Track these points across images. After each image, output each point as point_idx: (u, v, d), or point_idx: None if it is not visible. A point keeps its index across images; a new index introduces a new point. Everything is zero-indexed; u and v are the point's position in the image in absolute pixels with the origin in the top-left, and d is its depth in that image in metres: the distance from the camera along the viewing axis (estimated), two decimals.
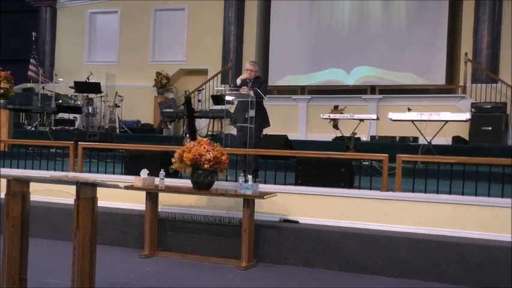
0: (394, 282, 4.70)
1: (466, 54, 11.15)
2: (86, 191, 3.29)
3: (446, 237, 4.85)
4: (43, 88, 12.93)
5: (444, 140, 8.87)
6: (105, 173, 6.51)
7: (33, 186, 3.60)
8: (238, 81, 6.72)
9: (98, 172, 6.52)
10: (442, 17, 11.71)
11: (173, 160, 5.27)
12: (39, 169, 6.79)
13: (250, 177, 5.19)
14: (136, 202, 5.80)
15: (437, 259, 4.67)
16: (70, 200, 3.35)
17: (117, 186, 3.58)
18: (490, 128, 9.86)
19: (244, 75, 6.77)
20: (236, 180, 5.69)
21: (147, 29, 13.99)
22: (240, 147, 6.53)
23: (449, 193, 5.16)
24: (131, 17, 14.11)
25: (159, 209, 5.58)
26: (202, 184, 5.20)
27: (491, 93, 10.75)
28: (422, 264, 4.71)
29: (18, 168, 6.85)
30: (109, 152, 7.52)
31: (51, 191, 3.89)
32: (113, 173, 6.47)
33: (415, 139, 9.65)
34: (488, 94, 10.75)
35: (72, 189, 3.30)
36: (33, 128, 11.57)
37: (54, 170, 6.64)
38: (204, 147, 5.13)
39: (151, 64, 13.81)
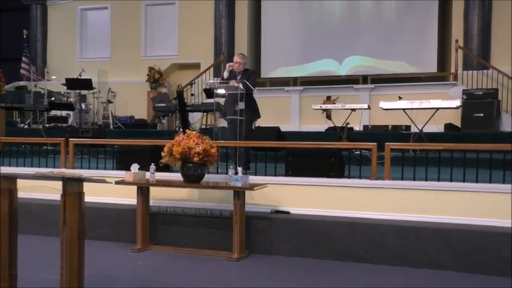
0: (385, 269, 4.74)
1: (456, 41, 11.16)
2: (73, 187, 3.31)
3: (435, 223, 4.88)
4: (35, 86, 12.91)
5: (436, 127, 8.90)
6: (97, 168, 6.54)
7: (22, 183, 3.62)
8: (226, 74, 6.73)
9: (89, 168, 6.55)
10: (432, 4, 11.71)
11: (163, 154, 5.28)
12: (31, 166, 6.80)
13: (240, 169, 5.21)
14: (128, 197, 5.81)
15: (427, 246, 4.71)
16: (55, 196, 3.37)
17: (104, 181, 3.59)
18: (482, 115, 9.88)
19: (228, 67, 6.76)
20: (227, 173, 5.71)
21: (138, 25, 13.96)
22: (231, 140, 6.55)
23: (438, 180, 5.19)
24: (122, 13, 14.07)
25: (151, 203, 5.61)
26: (192, 177, 5.22)
27: (483, 80, 10.77)
28: (412, 252, 4.75)
29: (10, 166, 6.86)
30: (101, 148, 7.53)
31: (39, 187, 3.92)
32: (105, 169, 6.49)
33: (408, 127, 9.66)
34: (480, 81, 10.77)
35: (60, 185, 3.32)
36: (26, 126, 11.56)
37: (46, 167, 6.66)
38: (193, 141, 5.15)
39: (143, 59, 13.79)
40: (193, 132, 5.31)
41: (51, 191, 4.49)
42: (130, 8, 13.91)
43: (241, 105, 6.38)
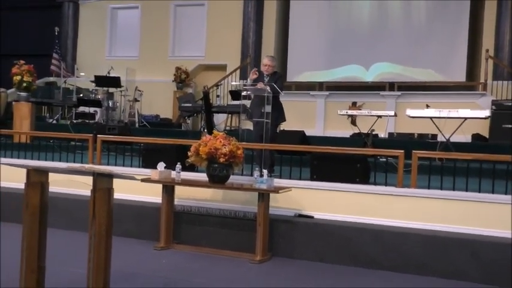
0: (409, 278, 4.69)
1: (487, 50, 10.98)
2: (103, 182, 3.36)
3: (462, 234, 4.81)
4: (65, 82, 13.16)
5: (463, 137, 8.78)
6: (123, 165, 6.62)
7: (51, 177, 3.69)
8: (249, 81, 6.69)
9: (116, 165, 6.63)
10: (463, 12, 11.55)
11: (189, 154, 5.33)
12: (59, 161, 6.93)
13: (265, 171, 5.22)
14: (152, 195, 5.87)
15: (452, 256, 4.65)
16: (87, 192, 3.43)
17: (133, 178, 3.64)
18: (511, 126, 9.70)
19: (252, 74, 6.70)
20: (251, 175, 5.73)
21: (167, 25, 14.10)
22: (256, 142, 6.56)
23: (466, 190, 5.12)
24: (151, 13, 14.23)
25: (175, 202, 5.65)
26: (217, 178, 5.25)
27: None
28: (437, 261, 4.69)
29: (39, 159, 6.99)
30: (127, 145, 7.62)
31: (68, 181, 3.99)
32: (131, 166, 6.57)
33: (434, 136, 9.54)
34: (510, 91, 10.57)
35: (89, 180, 3.38)
36: (54, 121, 11.79)
37: (74, 162, 6.77)
38: (220, 141, 5.18)
39: (170, 59, 13.91)
40: (220, 133, 5.34)
41: (76, 185, 4.58)
42: (160, 8, 14.06)
43: (267, 108, 6.38)
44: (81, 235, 5.16)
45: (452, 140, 7.87)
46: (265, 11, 13.16)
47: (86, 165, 4.72)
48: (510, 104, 9.93)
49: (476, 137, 9.92)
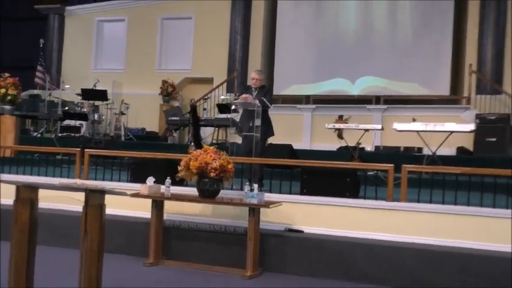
0: None
1: (470, 65, 11.18)
2: (95, 198, 3.32)
3: (452, 247, 4.84)
4: (50, 95, 13.02)
5: (449, 150, 8.89)
6: (111, 180, 6.55)
7: (40, 192, 3.63)
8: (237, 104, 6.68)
9: (103, 179, 6.55)
10: (447, 28, 11.75)
11: (179, 168, 5.29)
12: (46, 176, 6.83)
13: (256, 186, 5.21)
14: (141, 210, 5.80)
15: (443, 269, 4.67)
16: (76, 207, 3.38)
17: (124, 194, 3.61)
18: (495, 139, 9.85)
19: (241, 99, 6.63)
20: (241, 189, 5.71)
21: (154, 38, 14.09)
22: (245, 156, 6.56)
23: (455, 204, 5.16)
24: (138, 26, 14.21)
25: (165, 217, 5.60)
26: (208, 192, 5.22)
27: (496, 105, 10.76)
28: (428, 275, 4.70)
29: (24, 174, 6.89)
30: (114, 159, 7.55)
31: (59, 197, 3.92)
32: (119, 180, 6.50)
33: (420, 149, 9.65)
34: (493, 105, 10.77)
35: (81, 196, 3.33)
36: (39, 135, 11.64)
37: (60, 176, 6.67)
38: (211, 156, 5.16)
39: (157, 72, 13.89)
40: (211, 148, 5.32)
41: (67, 201, 4.51)
42: (147, 21, 14.05)
43: (257, 122, 6.39)
44: (70, 252, 5.09)
45: (438, 153, 7.96)
46: (251, 25, 13.24)
47: (78, 181, 4.66)
48: (494, 118, 10.10)
49: (461, 150, 10.06)
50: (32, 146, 8.28)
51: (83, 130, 11.93)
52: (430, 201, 5.26)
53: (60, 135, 11.46)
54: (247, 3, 13.23)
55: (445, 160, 7.85)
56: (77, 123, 11.86)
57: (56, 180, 6.02)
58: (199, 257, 5.44)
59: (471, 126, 8.14)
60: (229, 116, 9.62)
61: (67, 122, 11.79)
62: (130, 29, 14.37)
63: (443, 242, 4.94)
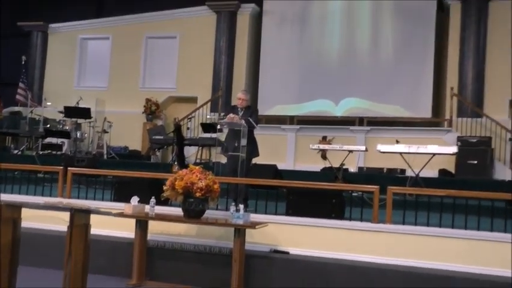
0: None
1: (452, 88, 11.37)
2: (80, 218, 3.27)
3: (437, 270, 4.86)
4: (31, 112, 12.85)
5: (431, 172, 8.97)
6: (94, 199, 6.45)
7: (22, 212, 3.55)
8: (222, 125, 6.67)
9: (86, 198, 6.44)
10: (429, 51, 11.97)
11: (165, 188, 5.24)
12: (27, 194, 6.70)
13: (241, 206, 5.18)
14: (125, 229, 5.72)
15: None
16: (59, 227, 3.31)
17: (110, 214, 3.56)
18: (476, 162, 9.99)
19: (228, 118, 6.60)
20: (226, 209, 5.67)
21: (138, 56, 14.06)
22: (230, 176, 6.53)
23: (440, 226, 5.19)
24: (123, 44, 14.17)
25: (149, 237, 5.52)
26: (193, 212, 5.17)
27: (477, 128, 10.94)
28: None
29: (4, 193, 6.73)
30: (97, 178, 7.45)
31: (43, 217, 3.84)
32: (102, 199, 6.41)
33: (403, 171, 9.72)
34: (474, 128, 10.94)
35: (65, 215, 3.27)
36: (19, 152, 11.45)
37: (42, 195, 6.56)
38: (196, 176, 5.12)
39: (141, 90, 13.82)
40: (197, 167, 5.28)
41: (51, 221, 4.42)
42: (132, 40, 14.02)
43: (243, 142, 6.39)
44: (51, 273, 4.97)
45: (420, 175, 8.02)
46: (236, 45, 13.32)
47: (64, 201, 4.58)
48: (475, 140, 10.27)
49: (443, 172, 10.15)
50: (14, 164, 8.12)
51: (64, 148, 11.78)
52: (415, 223, 5.28)
53: (41, 152, 11.29)
54: (232, 23, 13.33)
55: (428, 182, 7.91)
56: (59, 141, 11.71)
57: (38, 199, 5.90)
58: (184, 277, 5.36)
59: (454, 149, 8.24)
60: (213, 135, 9.59)
61: (48, 139, 11.64)
62: (114, 47, 14.32)
63: (428, 264, 4.95)
